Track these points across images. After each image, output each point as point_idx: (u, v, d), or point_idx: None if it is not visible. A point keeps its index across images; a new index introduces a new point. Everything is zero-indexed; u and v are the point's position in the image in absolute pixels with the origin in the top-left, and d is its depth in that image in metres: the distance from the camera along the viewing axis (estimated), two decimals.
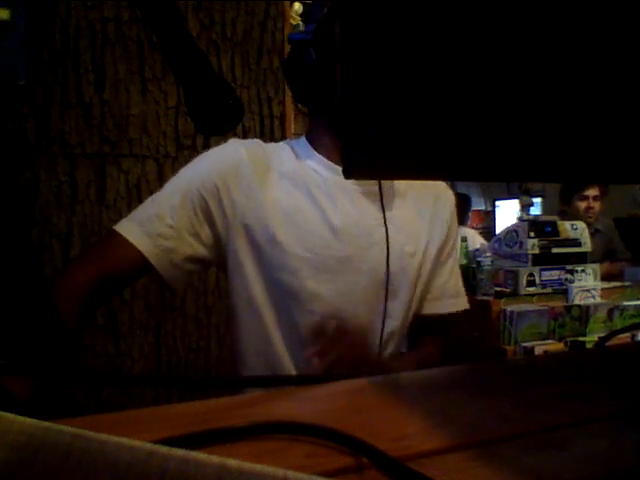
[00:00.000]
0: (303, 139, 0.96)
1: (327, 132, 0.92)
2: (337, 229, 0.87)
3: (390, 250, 0.89)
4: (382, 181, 0.91)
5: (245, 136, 1.82)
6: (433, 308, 0.99)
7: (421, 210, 0.96)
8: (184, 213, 0.85)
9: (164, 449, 0.21)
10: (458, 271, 1.04)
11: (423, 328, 0.99)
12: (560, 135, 0.22)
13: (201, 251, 0.87)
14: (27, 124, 1.53)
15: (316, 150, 0.92)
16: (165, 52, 0.60)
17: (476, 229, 4.84)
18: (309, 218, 0.87)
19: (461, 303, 1.02)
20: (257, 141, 0.95)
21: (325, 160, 0.91)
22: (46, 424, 0.23)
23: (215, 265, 0.94)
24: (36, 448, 0.22)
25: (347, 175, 0.34)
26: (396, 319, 0.92)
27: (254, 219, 0.86)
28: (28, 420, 0.23)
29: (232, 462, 0.21)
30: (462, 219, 3.91)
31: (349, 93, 0.32)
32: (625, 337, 1.43)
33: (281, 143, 0.97)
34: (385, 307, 0.89)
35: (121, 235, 0.82)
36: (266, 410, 0.44)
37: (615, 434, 0.39)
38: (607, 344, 0.66)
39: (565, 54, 0.19)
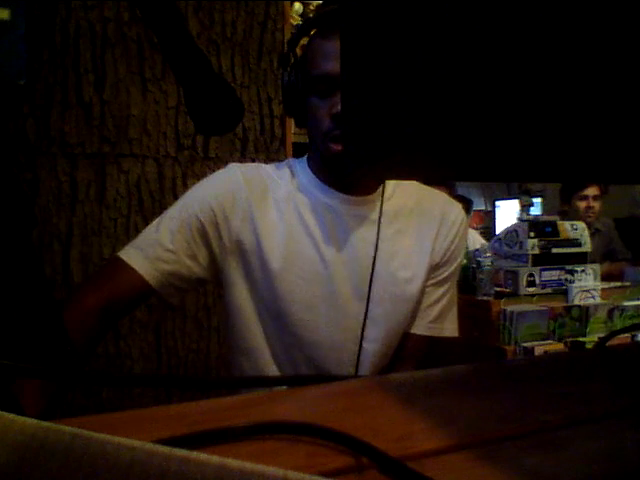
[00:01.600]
0: (304, 159, 0.97)
1: (317, 154, 0.92)
2: (326, 255, 0.88)
3: (382, 276, 0.89)
4: (378, 205, 0.91)
5: (245, 136, 1.82)
6: (411, 327, 0.95)
7: (424, 233, 0.94)
8: (182, 238, 0.87)
9: (164, 449, 0.21)
10: (452, 298, 0.98)
11: (400, 347, 0.95)
12: (560, 135, 0.22)
13: (198, 272, 0.89)
14: (27, 124, 1.53)
15: (312, 171, 0.93)
16: (165, 52, 0.60)
17: (476, 229, 4.84)
18: (299, 244, 0.88)
19: (440, 329, 0.96)
20: (256, 165, 0.96)
21: (318, 181, 0.92)
22: (46, 424, 0.23)
23: (212, 283, 0.96)
24: (36, 448, 0.22)
25: (347, 176, 0.34)
26: (383, 344, 0.91)
27: (248, 243, 0.88)
28: (28, 420, 0.23)
29: (232, 462, 0.21)
30: None
31: (350, 93, 0.32)
32: (625, 337, 1.43)
33: (283, 163, 0.98)
34: (362, 331, 0.89)
35: (123, 261, 0.85)
36: (266, 410, 0.44)
37: (615, 434, 0.39)
38: (607, 344, 0.66)
39: (565, 54, 0.19)
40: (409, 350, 0.96)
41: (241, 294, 0.90)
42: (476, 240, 3.19)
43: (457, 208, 0.99)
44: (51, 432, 0.22)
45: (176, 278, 0.87)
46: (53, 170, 1.58)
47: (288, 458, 0.33)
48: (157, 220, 0.91)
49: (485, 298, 1.85)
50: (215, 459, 0.21)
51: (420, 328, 0.95)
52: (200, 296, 1.76)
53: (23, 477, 0.21)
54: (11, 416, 0.23)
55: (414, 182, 0.98)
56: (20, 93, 1.45)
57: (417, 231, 0.94)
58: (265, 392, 0.51)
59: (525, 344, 1.72)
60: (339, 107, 0.81)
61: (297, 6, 2.35)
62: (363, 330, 0.89)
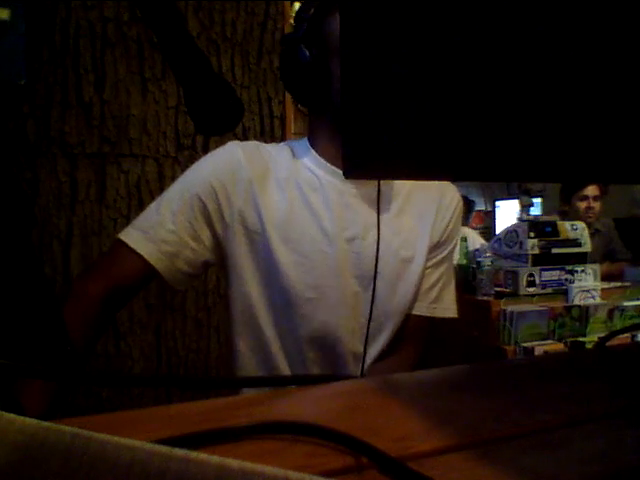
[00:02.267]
0: (304, 140, 0.96)
1: (326, 132, 0.92)
2: (329, 233, 0.88)
3: (384, 255, 0.89)
4: (381, 183, 0.91)
5: (245, 136, 1.82)
6: (413, 309, 0.95)
7: (424, 213, 0.95)
8: (184, 218, 0.86)
9: (164, 449, 0.21)
10: (450, 278, 1.00)
11: (402, 328, 0.95)
12: (560, 135, 0.22)
13: (203, 253, 0.88)
14: (27, 124, 1.53)
15: (315, 151, 0.93)
16: (165, 52, 0.60)
17: (476, 229, 4.84)
18: (302, 222, 0.88)
19: (441, 309, 0.97)
20: (256, 143, 0.95)
21: (322, 161, 0.91)
22: (46, 424, 0.23)
23: (217, 265, 0.94)
24: (36, 448, 0.22)
25: (347, 175, 0.34)
26: (385, 323, 0.91)
27: (251, 222, 0.87)
28: (28, 420, 0.23)
29: (232, 462, 0.21)
30: (464, 221, 3.89)
31: (349, 92, 0.32)
32: (625, 337, 1.43)
33: (282, 144, 0.97)
34: (371, 310, 0.88)
35: (126, 244, 0.84)
36: (266, 410, 0.44)
37: (615, 434, 0.39)
38: (607, 344, 0.66)
39: (565, 53, 0.19)
40: (411, 331, 0.96)
41: (247, 277, 0.88)
42: (476, 240, 3.19)
43: (453, 189, 1.01)
44: (51, 432, 0.22)
45: (181, 261, 0.86)
46: (53, 170, 1.58)
47: (288, 458, 0.33)
48: (156, 201, 0.89)
49: (485, 298, 1.85)
50: (215, 459, 0.21)
51: (421, 309, 0.96)
52: (200, 296, 1.76)
53: (23, 477, 0.21)
54: (11, 416, 0.23)
55: None
56: (20, 93, 1.45)
57: (417, 211, 0.95)
58: (265, 392, 0.51)
59: (525, 344, 1.72)
60: None
61: (297, 6, 2.35)
62: (371, 309, 0.88)
